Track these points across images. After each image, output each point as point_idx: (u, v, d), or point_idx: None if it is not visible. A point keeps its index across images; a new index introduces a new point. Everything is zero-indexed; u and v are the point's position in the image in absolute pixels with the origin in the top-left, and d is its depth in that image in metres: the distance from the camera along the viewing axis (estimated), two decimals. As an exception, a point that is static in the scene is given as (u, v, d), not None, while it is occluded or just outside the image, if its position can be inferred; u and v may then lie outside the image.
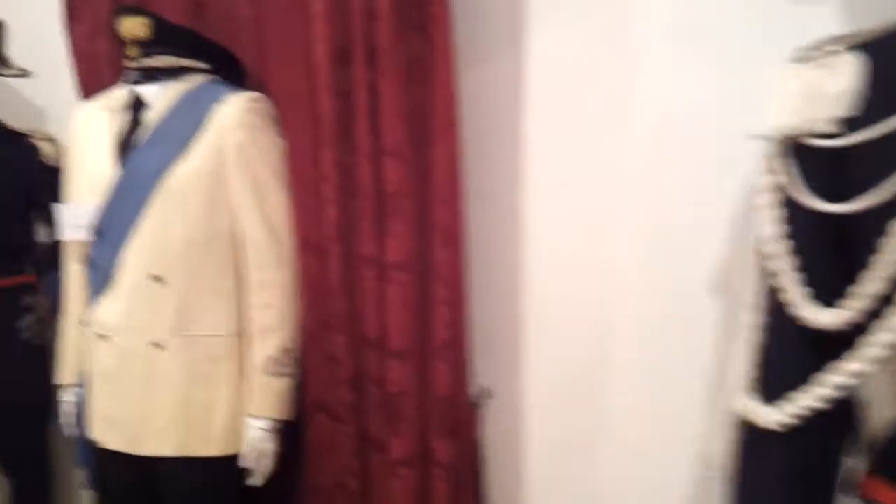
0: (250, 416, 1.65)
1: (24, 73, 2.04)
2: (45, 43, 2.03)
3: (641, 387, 1.48)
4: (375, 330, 1.58)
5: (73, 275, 1.79)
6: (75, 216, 1.66)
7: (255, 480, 1.68)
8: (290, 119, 1.62)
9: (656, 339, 1.45)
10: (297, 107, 1.59)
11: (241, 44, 1.72)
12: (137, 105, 1.66)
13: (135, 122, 1.65)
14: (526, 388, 1.61)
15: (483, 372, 1.63)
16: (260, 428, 1.65)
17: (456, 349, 1.52)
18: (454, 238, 1.46)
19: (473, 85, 1.49)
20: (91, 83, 1.91)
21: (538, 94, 1.48)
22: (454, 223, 1.46)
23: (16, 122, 2.13)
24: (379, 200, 1.52)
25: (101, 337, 1.67)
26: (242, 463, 1.65)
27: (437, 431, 1.55)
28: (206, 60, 1.69)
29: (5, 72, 2.03)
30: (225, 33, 1.72)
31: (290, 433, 1.71)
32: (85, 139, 1.72)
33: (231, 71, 1.73)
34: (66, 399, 1.85)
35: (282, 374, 1.65)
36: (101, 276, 1.66)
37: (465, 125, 1.46)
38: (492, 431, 1.66)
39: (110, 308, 1.65)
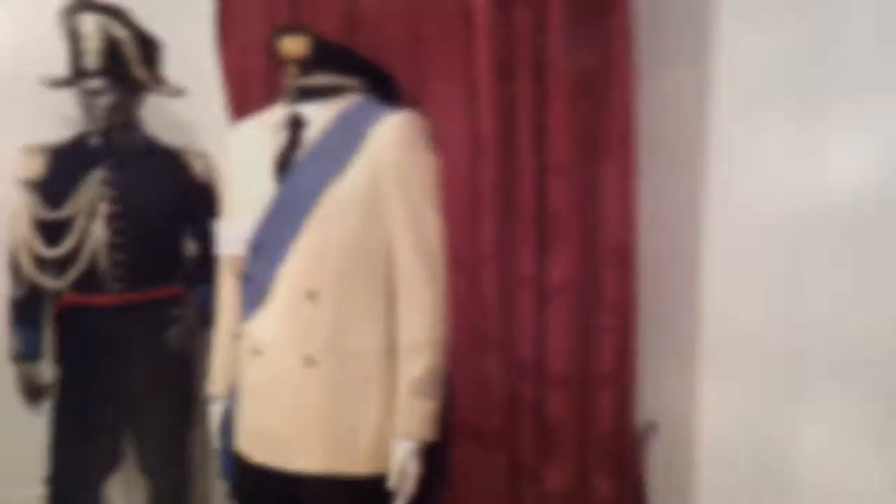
0: (396, 436, 1.61)
1: (179, 93, 2.11)
2: (195, 61, 2.09)
3: (836, 433, 1.33)
4: (532, 354, 1.52)
5: (228, 289, 1.81)
6: (233, 232, 1.68)
7: (399, 502, 1.64)
8: (446, 136, 1.58)
9: (859, 384, 1.31)
10: (455, 123, 1.56)
11: (396, 60, 1.69)
12: (295, 124, 1.66)
13: (293, 141, 1.65)
14: (700, 425, 1.50)
15: (651, 406, 1.53)
16: (405, 449, 1.61)
17: (622, 379, 1.44)
18: (625, 260, 1.38)
19: (652, 96, 1.40)
20: (241, 101, 1.94)
21: (726, 107, 1.36)
22: (625, 244, 1.38)
23: (166, 139, 2.20)
24: (541, 220, 1.46)
25: (254, 351, 1.67)
26: (387, 484, 1.62)
27: (597, 466, 1.47)
28: (361, 78, 1.68)
29: (162, 91, 2.10)
30: (379, 49, 1.71)
31: (434, 455, 1.67)
32: (243, 157, 1.73)
33: (385, 88, 1.72)
34: (215, 411, 1.87)
35: (428, 396, 1.61)
36: (255, 292, 1.66)
37: (641, 140, 1.37)
38: (657, 471, 1.55)
39: (264, 323, 1.65)
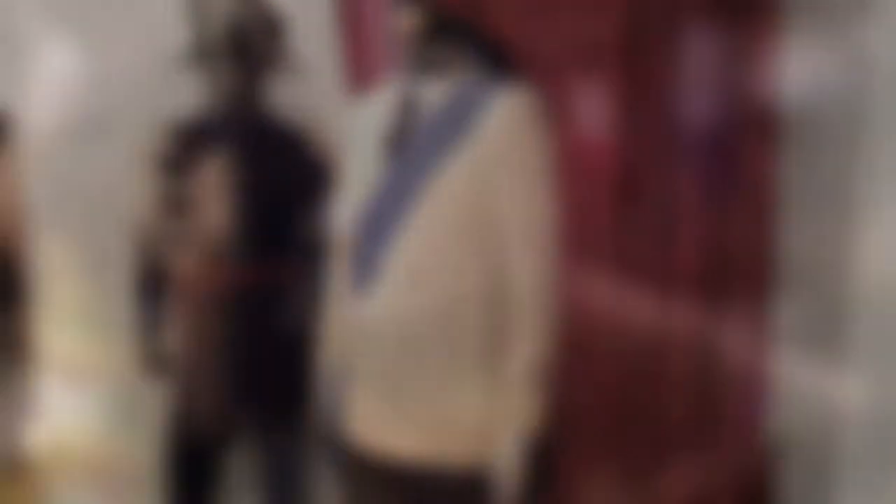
0: (501, 429, 1.55)
1: (302, 70, 2.11)
2: (317, 37, 2.09)
3: None
4: (650, 351, 1.40)
5: (337, 271, 1.82)
6: (344, 213, 1.68)
7: (501, 499, 1.58)
8: (566, 114, 1.49)
9: None
10: (576, 100, 1.45)
11: (517, 31, 1.62)
12: (409, 101, 1.63)
13: (406, 119, 1.62)
14: (845, 436, 1.31)
15: (787, 410, 1.35)
16: (510, 443, 1.54)
17: (753, 382, 1.30)
18: (758, 250, 1.24)
19: (808, 54, 1.21)
20: (359, 77, 1.93)
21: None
22: (762, 229, 1.22)
23: (287, 117, 2.21)
24: (665, 205, 1.34)
25: (360, 334, 1.67)
26: (490, 479, 1.56)
27: (720, 478, 1.34)
28: (479, 52, 1.62)
29: (286, 69, 2.11)
30: (500, 18, 1.63)
31: (539, 453, 1.59)
32: (358, 135, 1.72)
33: (503, 61, 1.64)
34: (323, 391, 1.89)
35: (536, 390, 1.54)
36: (363, 275, 1.65)
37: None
38: (793, 489, 1.38)
39: (370, 307, 1.64)
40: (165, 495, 2.19)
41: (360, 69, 1.91)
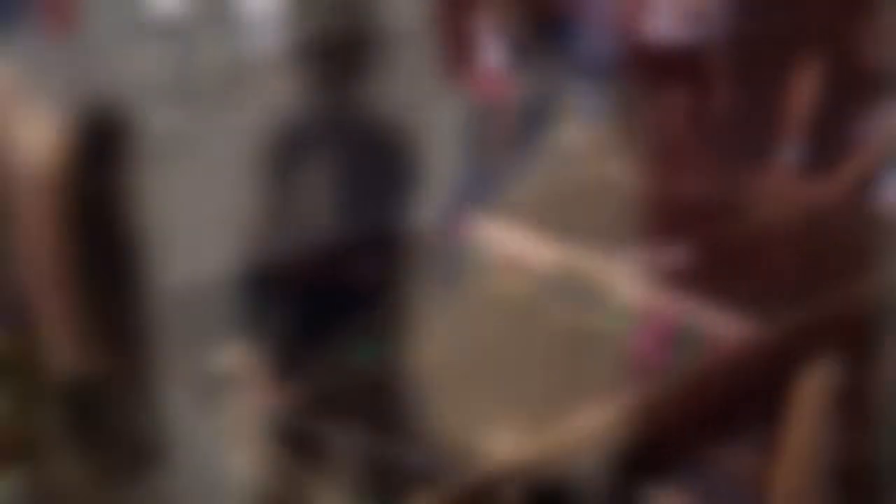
0: (590, 433, 1.52)
1: (394, 67, 2.12)
2: (408, 32, 2.07)
3: None
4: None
5: (426, 266, 1.84)
6: (432, 207, 1.70)
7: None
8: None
9: None
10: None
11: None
12: (501, 98, 1.62)
13: (495, 115, 1.62)
14: None
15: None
16: (597, 448, 1.51)
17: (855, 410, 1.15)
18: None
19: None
20: (453, 73, 1.91)
21: None
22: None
23: (378, 112, 2.22)
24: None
25: (447, 328, 1.71)
26: (578, 484, 1.53)
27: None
28: (570, 48, 1.58)
29: (380, 65, 2.12)
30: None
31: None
32: (445, 131, 1.74)
33: (595, 59, 1.60)
34: (412, 385, 1.92)
35: (623, 393, 1.49)
36: (451, 269, 1.70)
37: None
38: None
39: (457, 300, 1.69)
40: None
41: (452, 65, 1.89)
